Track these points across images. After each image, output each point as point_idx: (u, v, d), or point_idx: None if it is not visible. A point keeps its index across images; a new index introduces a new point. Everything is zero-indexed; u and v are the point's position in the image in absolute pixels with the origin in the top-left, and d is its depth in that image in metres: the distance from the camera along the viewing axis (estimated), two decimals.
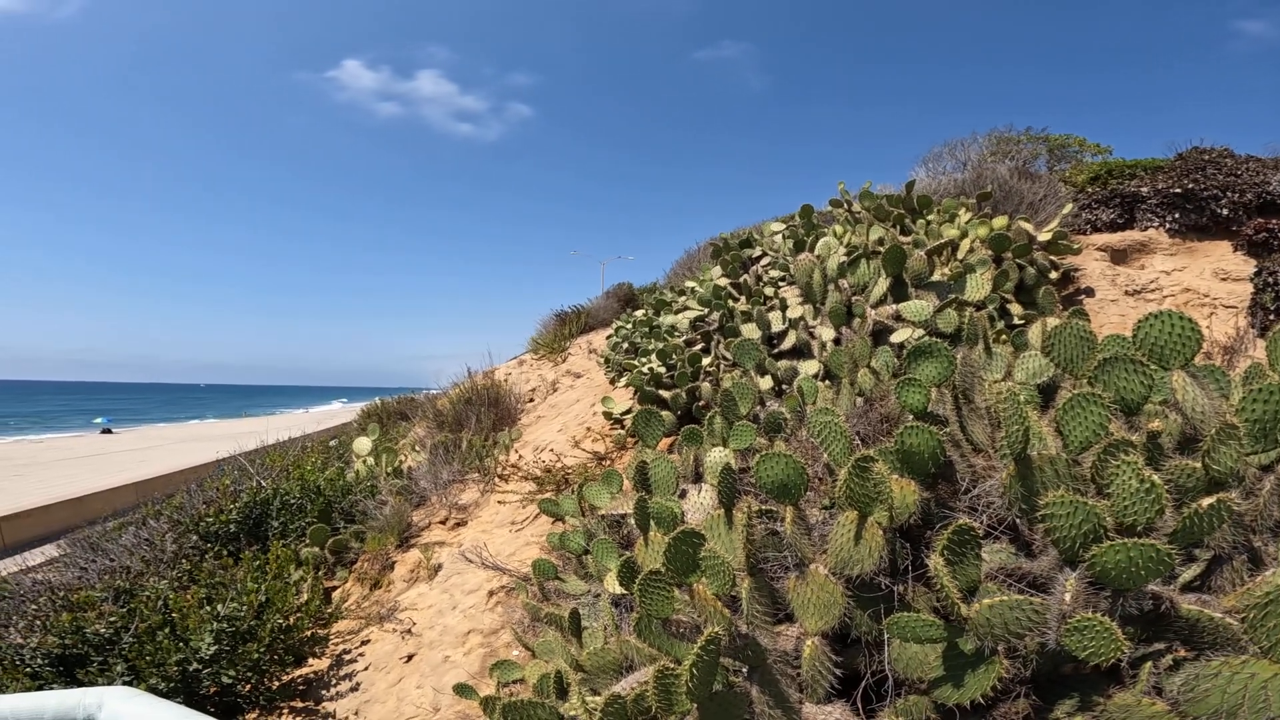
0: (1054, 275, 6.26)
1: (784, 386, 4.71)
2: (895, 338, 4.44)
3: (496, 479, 6.63)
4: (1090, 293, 6.54)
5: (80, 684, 3.93)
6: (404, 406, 17.40)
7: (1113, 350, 2.54)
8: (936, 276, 5.18)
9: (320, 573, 5.87)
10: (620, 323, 8.87)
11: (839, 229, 6.40)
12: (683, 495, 3.19)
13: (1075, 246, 6.58)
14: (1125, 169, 8.16)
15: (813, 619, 2.29)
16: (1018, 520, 2.27)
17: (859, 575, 2.27)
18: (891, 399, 3.06)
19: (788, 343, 5.21)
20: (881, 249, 5.35)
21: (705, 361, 5.55)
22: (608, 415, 6.39)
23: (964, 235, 5.94)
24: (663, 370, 5.64)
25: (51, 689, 3.80)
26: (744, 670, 2.32)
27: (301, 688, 4.52)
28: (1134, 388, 2.36)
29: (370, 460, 7.77)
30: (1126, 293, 6.56)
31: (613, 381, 8.11)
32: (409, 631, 4.68)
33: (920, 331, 4.38)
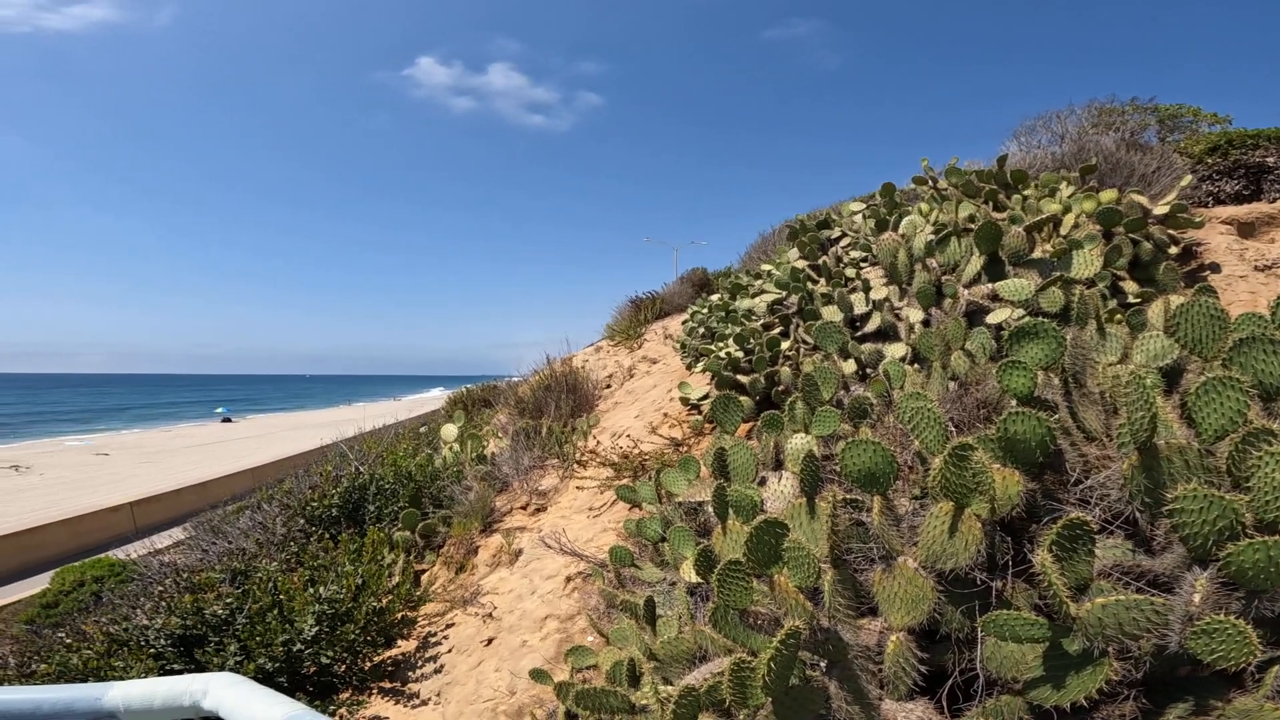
0: (1173, 250, 5.70)
1: (868, 370, 4.52)
2: (992, 318, 4.16)
3: (575, 465, 6.71)
4: (1215, 268, 5.92)
5: (198, 663, 4.19)
6: (487, 394, 17.99)
7: (1249, 329, 2.27)
8: (1037, 254, 4.81)
9: (411, 556, 6.12)
10: (695, 307, 8.78)
11: (925, 206, 6.07)
12: (762, 483, 3.11)
13: (1197, 220, 5.97)
14: (1247, 139, 7.32)
15: (899, 614, 2.18)
16: (1138, 514, 2.07)
17: (952, 570, 2.14)
18: (990, 383, 2.86)
19: (871, 325, 4.99)
20: (973, 226, 5.02)
21: (784, 345, 5.40)
22: (684, 401, 6.34)
23: (1067, 210, 5.49)
24: (740, 355, 5.53)
25: (172, 669, 4.08)
26: (821, 664, 2.24)
27: (390, 669, 4.68)
28: (1274, 370, 2.10)
29: (456, 446, 8.04)
30: (1256, 268, 5.91)
31: (689, 367, 8.05)
32: (490, 615, 4.79)
33: (1020, 311, 4.08)
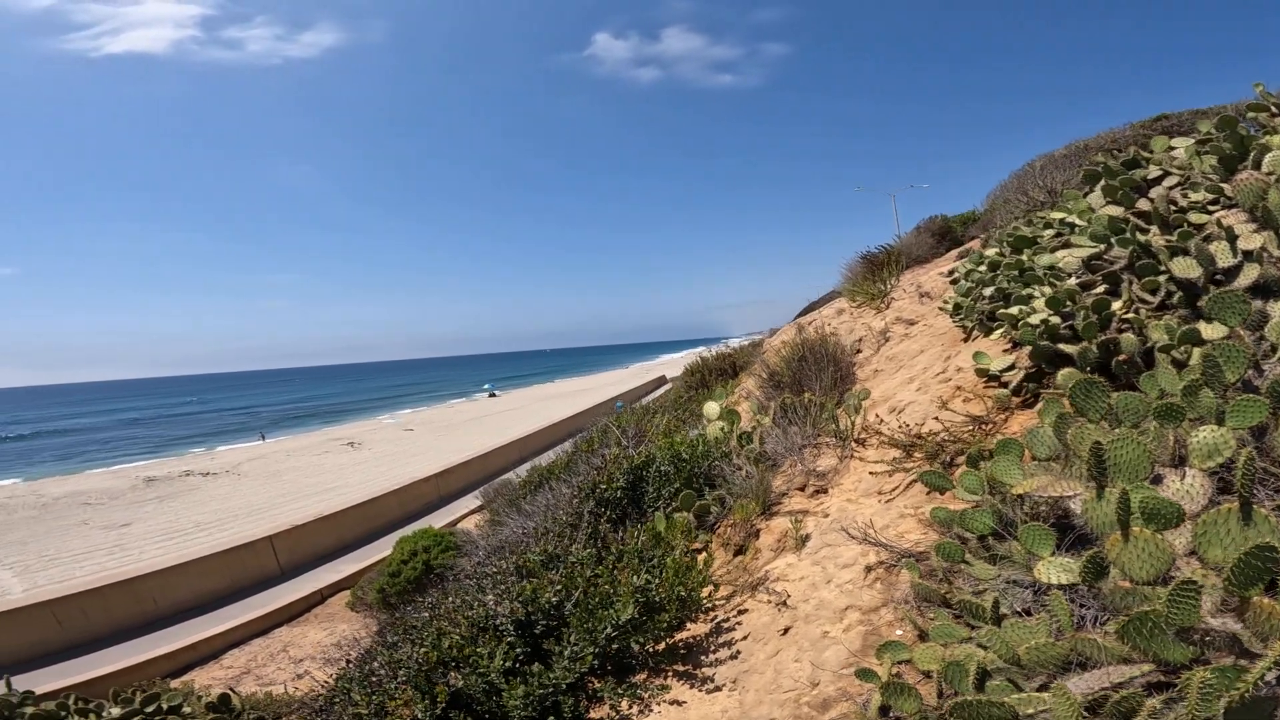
0: None
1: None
2: None
3: (853, 444, 6.49)
4: None
5: (537, 646, 4.56)
6: (721, 362, 18.18)
7: None
8: None
9: (690, 538, 6.31)
10: (970, 264, 7.95)
11: None
12: (1156, 481, 2.71)
13: None
14: None
15: None
16: None
17: None
18: None
19: (1243, 279, 4.10)
20: None
21: (1115, 306, 4.66)
22: (981, 372, 5.79)
23: None
24: (1057, 320, 4.87)
25: (514, 652, 4.46)
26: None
27: (682, 651, 4.74)
28: None
29: (722, 424, 8.20)
30: None
31: (968, 330, 7.34)
32: (784, 604, 4.66)
33: None
